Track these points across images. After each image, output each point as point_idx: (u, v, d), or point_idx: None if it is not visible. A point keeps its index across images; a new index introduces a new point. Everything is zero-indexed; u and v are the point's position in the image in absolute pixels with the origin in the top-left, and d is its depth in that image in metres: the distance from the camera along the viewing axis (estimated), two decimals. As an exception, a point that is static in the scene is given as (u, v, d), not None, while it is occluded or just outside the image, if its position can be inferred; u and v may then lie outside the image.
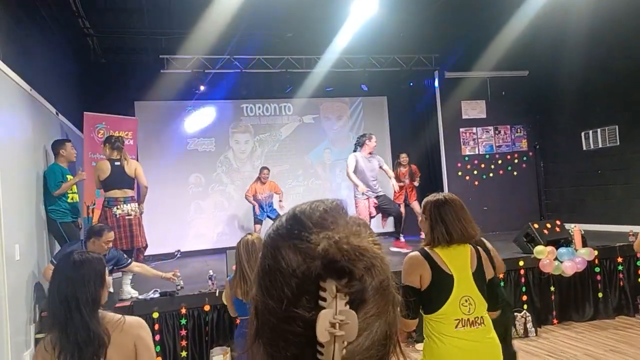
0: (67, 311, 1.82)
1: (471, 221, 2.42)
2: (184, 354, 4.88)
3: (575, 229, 6.06)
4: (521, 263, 5.91)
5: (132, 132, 7.72)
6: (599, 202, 8.40)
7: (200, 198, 9.94)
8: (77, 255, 1.95)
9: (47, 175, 5.39)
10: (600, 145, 8.27)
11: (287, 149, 10.46)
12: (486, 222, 8.85)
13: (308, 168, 10.55)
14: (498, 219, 9.19)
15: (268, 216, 8.64)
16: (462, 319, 2.27)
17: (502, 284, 5.60)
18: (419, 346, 5.37)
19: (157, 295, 5.05)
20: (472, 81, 9.60)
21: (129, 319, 1.93)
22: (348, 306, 0.59)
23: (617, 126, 7.96)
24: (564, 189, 9.30)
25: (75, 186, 5.71)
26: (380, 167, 7.01)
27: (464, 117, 9.76)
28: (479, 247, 2.47)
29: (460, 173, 9.66)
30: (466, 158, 9.72)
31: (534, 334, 5.54)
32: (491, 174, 9.73)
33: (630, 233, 6.38)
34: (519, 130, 10.00)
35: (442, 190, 9.64)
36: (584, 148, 8.60)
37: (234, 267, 3.51)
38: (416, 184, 9.06)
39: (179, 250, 9.31)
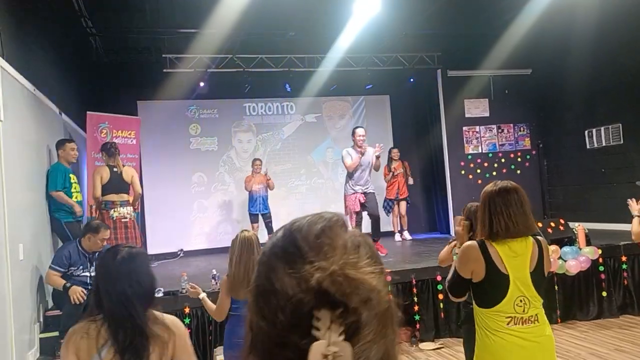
0: (123, 305, 1.75)
1: (531, 214, 2.30)
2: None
3: (579, 228, 6.05)
4: (525, 262, 5.89)
5: (134, 132, 7.73)
6: (602, 200, 8.38)
7: (203, 197, 9.95)
8: (128, 249, 1.88)
9: (49, 174, 5.41)
10: (604, 144, 8.25)
11: (290, 148, 10.46)
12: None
13: (311, 167, 10.54)
14: (501, 217, 9.17)
15: (260, 212, 8.59)
16: (514, 316, 2.21)
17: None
18: (423, 345, 5.37)
19: (160, 294, 5.05)
20: (475, 80, 9.58)
21: (168, 317, 1.90)
22: (343, 336, 0.58)
23: (621, 124, 7.93)
24: (568, 187, 9.28)
25: (78, 185, 5.73)
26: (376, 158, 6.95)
27: (467, 115, 9.74)
28: (541, 240, 2.35)
29: (463, 172, 9.64)
30: (469, 157, 9.71)
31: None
32: (494, 173, 9.71)
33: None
34: (522, 129, 9.98)
35: (445, 189, 9.66)
36: (588, 146, 8.57)
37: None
38: (410, 181, 9.11)
39: (181, 250, 9.33)
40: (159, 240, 9.38)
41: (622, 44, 7.76)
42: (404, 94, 10.67)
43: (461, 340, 3.93)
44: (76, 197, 5.61)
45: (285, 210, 9.89)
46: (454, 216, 9.47)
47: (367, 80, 9.86)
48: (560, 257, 5.75)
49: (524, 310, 2.21)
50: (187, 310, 4.94)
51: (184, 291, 5.07)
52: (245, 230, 3.37)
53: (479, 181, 9.61)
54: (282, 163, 10.35)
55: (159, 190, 9.51)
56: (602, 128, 8.23)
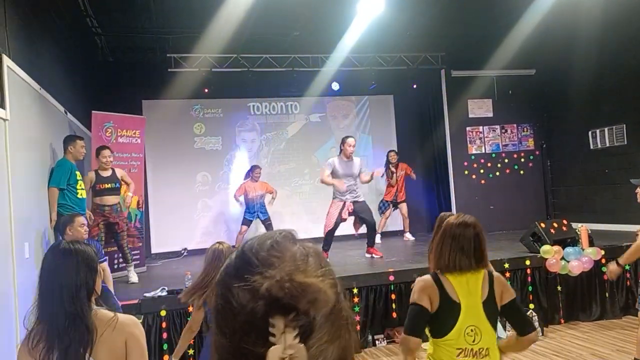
0: (55, 301, 1.75)
1: (486, 250, 2.34)
2: (191, 351, 4.91)
3: (582, 229, 6.05)
4: (528, 262, 5.91)
5: (139, 131, 7.76)
6: (606, 201, 8.37)
7: (207, 196, 9.98)
8: (66, 243, 1.89)
9: (54, 169, 5.39)
10: (607, 144, 8.24)
11: (294, 148, 10.48)
12: (492, 221, 8.85)
13: (314, 167, 10.56)
14: (504, 218, 9.18)
15: (258, 216, 8.62)
16: (465, 348, 2.22)
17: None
18: (425, 345, 5.38)
19: (164, 293, 5.09)
20: (479, 80, 9.58)
21: (122, 317, 1.86)
22: (298, 339, 0.62)
23: (624, 125, 7.92)
24: (571, 188, 9.27)
25: (83, 183, 5.74)
26: (359, 174, 6.82)
27: (470, 115, 9.74)
28: (492, 272, 2.38)
29: (466, 172, 9.65)
30: (473, 157, 9.71)
31: (541, 334, 5.53)
32: (498, 173, 9.71)
33: (638, 232, 6.34)
34: (525, 129, 9.98)
35: (448, 189, 9.67)
36: (591, 147, 8.57)
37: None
38: (413, 175, 9.12)
39: (185, 249, 9.36)
40: (163, 239, 9.42)
41: (626, 44, 7.74)
42: (407, 94, 10.67)
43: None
44: (81, 194, 5.60)
45: (289, 210, 9.93)
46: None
47: (371, 80, 9.87)
48: (563, 258, 5.76)
49: (473, 341, 2.22)
50: (190, 309, 4.97)
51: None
52: (219, 242, 3.35)
53: (482, 181, 9.62)
54: (286, 163, 10.38)
55: (163, 189, 9.55)
56: (606, 128, 8.22)
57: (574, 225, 6.41)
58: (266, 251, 0.68)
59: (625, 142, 7.91)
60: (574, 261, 5.69)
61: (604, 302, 6.02)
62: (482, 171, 9.68)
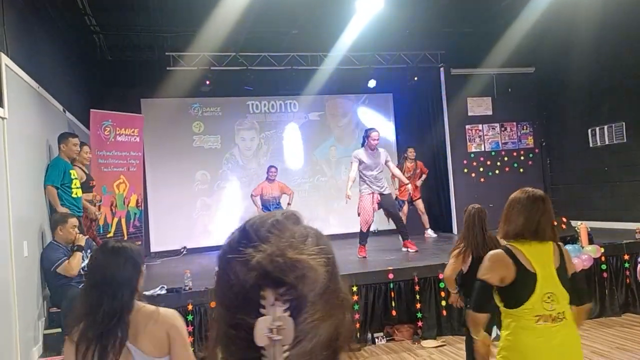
0: (100, 298, 1.84)
1: (554, 224, 2.43)
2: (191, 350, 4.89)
3: (582, 226, 6.05)
4: (527, 260, 5.89)
5: (138, 129, 7.76)
6: (605, 199, 8.37)
7: (206, 195, 9.97)
8: (114, 242, 2.01)
9: (48, 168, 5.32)
10: (607, 142, 8.23)
11: (293, 146, 10.47)
12: (492, 219, 8.82)
13: (314, 165, 10.56)
14: (504, 216, 9.16)
15: None
16: (543, 314, 2.27)
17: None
18: (425, 343, 5.38)
19: (164, 291, 5.08)
20: (478, 78, 9.57)
21: (163, 310, 1.98)
22: (288, 313, 0.64)
23: (624, 123, 7.92)
24: (571, 186, 9.27)
25: (78, 181, 5.67)
26: (386, 163, 6.97)
27: (469, 114, 9.74)
28: (560, 244, 2.46)
29: (466, 170, 9.64)
30: (472, 155, 9.70)
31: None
32: (497, 171, 9.71)
33: (638, 230, 6.35)
34: (525, 127, 9.97)
35: (448, 187, 9.66)
36: (591, 145, 8.56)
37: None
38: (418, 183, 9.07)
39: (184, 247, 9.35)
40: (162, 237, 9.42)
41: (625, 42, 7.73)
42: (406, 92, 10.66)
43: (463, 338, 3.95)
44: (76, 194, 5.51)
45: (289, 208, 9.91)
46: (456, 215, 9.48)
47: (370, 79, 9.86)
48: (562, 256, 5.75)
49: (551, 307, 2.28)
50: (190, 307, 4.97)
51: (186, 288, 5.11)
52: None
53: (482, 179, 9.62)
54: (285, 161, 10.37)
55: (162, 188, 9.54)
56: (606, 126, 8.22)
57: (573, 223, 6.40)
58: (266, 229, 0.70)
59: (625, 140, 7.91)
60: (574, 259, 5.68)
61: (604, 300, 6.01)
62: (481, 169, 9.67)
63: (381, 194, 6.84)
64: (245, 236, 0.71)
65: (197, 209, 9.89)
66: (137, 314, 1.89)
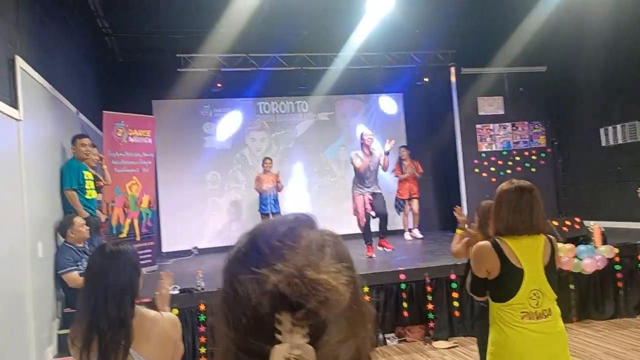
0: (100, 300, 1.82)
1: (544, 214, 2.39)
2: (203, 350, 4.93)
3: (596, 226, 5.99)
4: (540, 261, 5.85)
5: (150, 131, 7.79)
6: (618, 198, 8.29)
7: (217, 195, 10.02)
8: (112, 245, 1.98)
9: (62, 171, 5.36)
10: (620, 142, 8.15)
11: (303, 147, 10.48)
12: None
13: (323, 165, 10.56)
14: (516, 216, 9.11)
15: (271, 209, 8.61)
16: (529, 311, 2.27)
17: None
18: (437, 344, 5.37)
19: (176, 291, 5.10)
20: (489, 77, 9.52)
21: (167, 315, 2.00)
22: (306, 339, 0.57)
23: (637, 122, 7.84)
24: (583, 185, 9.19)
25: (92, 182, 5.69)
26: (379, 162, 7.00)
27: (480, 113, 9.69)
28: (551, 238, 2.43)
29: (477, 170, 9.60)
30: (483, 155, 9.66)
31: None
32: (508, 171, 9.64)
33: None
34: (536, 127, 9.90)
35: (458, 187, 9.62)
36: (603, 144, 8.49)
37: None
38: (420, 170, 9.14)
39: (196, 247, 9.40)
40: (174, 238, 9.47)
41: (637, 40, 7.65)
42: (417, 92, 10.63)
43: (475, 339, 3.93)
44: (90, 195, 5.53)
45: (297, 209, 9.91)
46: (467, 215, 9.42)
47: (380, 78, 9.84)
48: (575, 256, 5.70)
49: (537, 304, 2.27)
50: (202, 307, 4.99)
51: (199, 289, 5.13)
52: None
53: (493, 179, 9.55)
54: (295, 161, 10.38)
55: (173, 188, 9.60)
56: (618, 126, 8.14)
57: (586, 223, 6.35)
58: (278, 239, 0.63)
59: (638, 139, 7.83)
60: (587, 259, 5.64)
61: (618, 301, 5.95)
62: (492, 169, 9.62)
63: (373, 194, 6.91)
64: (256, 249, 0.64)
65: (207, 210, 9.93)
66: (140, 320, 1.87)
